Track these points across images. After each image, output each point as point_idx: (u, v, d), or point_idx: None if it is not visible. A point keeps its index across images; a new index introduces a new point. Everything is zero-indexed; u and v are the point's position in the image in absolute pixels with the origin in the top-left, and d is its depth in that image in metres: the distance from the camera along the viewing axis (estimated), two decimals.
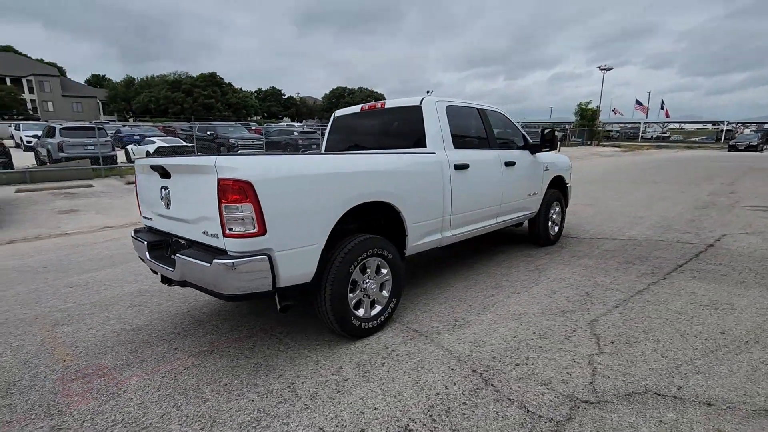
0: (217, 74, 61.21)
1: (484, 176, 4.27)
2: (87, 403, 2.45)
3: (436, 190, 3.65)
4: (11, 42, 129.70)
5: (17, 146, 25.61)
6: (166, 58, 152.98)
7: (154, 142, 17.33)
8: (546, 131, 5.00)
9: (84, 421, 2.28)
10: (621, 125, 65.41)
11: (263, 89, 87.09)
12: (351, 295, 3.02)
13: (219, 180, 2.36)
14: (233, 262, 2.37)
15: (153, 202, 3.15)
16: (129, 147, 18.43)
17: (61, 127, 14.23)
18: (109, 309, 3.91)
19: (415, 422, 2.19)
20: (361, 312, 3.11)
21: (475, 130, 4.45)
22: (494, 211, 4.52)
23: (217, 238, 2.48)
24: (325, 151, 4.84)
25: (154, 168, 2.93)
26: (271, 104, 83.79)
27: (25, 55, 74.66)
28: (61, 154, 13.46)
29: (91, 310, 3.90)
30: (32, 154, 16.78)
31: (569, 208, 8.32)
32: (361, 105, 4.54)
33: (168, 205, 2.92)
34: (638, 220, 7.17)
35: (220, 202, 2.37)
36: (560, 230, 5.89)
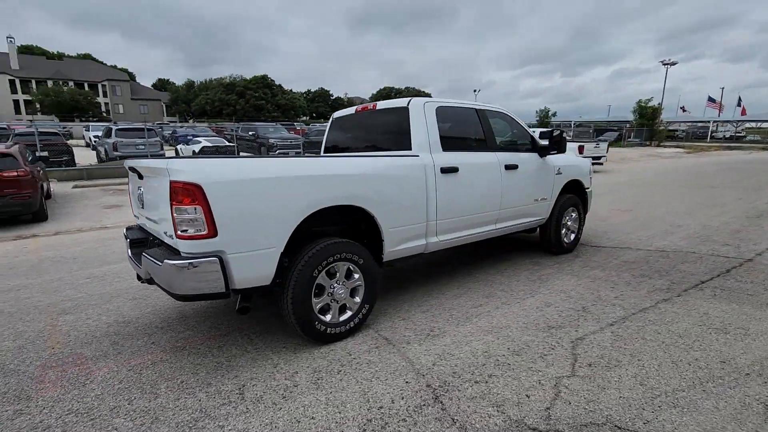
0: (269, 77, 63.68)
1: (478, 180, 4.08)
2: (54, 391, 2.60)
3: (418, 195, 3.53)
4: (90, 50, 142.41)
5: (87, 145, 28.10)
6: (227, 62, 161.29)
7: (200, 142, 18.33)
8: (554, 132, 4.69)
9: (44, 408, 2.42)
10: (689, 124, 60.45)
11: (312, 90, 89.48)
12: (316, 299, 2.99)
13: (171, 182, 2.42)
14: (181, 263, 2.42)
15: (135, 202, 3.30)
16: (178, 146, 19.61)
17: (116, 128, 15.42)
18: (112, 301, 4.15)
19: None
20: (327, 317, 3.07)
21: (471, 132, 4.26)
22: (492, 217, 4.31)
23: (172, 238, 2.55)
24: (324, 152, 4.85)
25: (131, 169, 3.06)
26: (319, 105, 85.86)
27: (102, 62, 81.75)
28: (115, 153, 14.60)
29: (96, 301, 4.15)
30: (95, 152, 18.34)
31: (600, 214, 7.80)
32: (356, 106, 4.50)
33: (143, 205, 3.04)
34: (675, 229, 6.57)
35: (171, 204, 2.43)
36: (577, 238, 5.51)
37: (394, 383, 2.58)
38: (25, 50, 75.31)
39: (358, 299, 3.24)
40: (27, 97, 61.69)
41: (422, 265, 5.05)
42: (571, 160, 5.36)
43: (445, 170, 3.74)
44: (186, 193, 2.39)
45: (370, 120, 4.31)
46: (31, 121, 47.40)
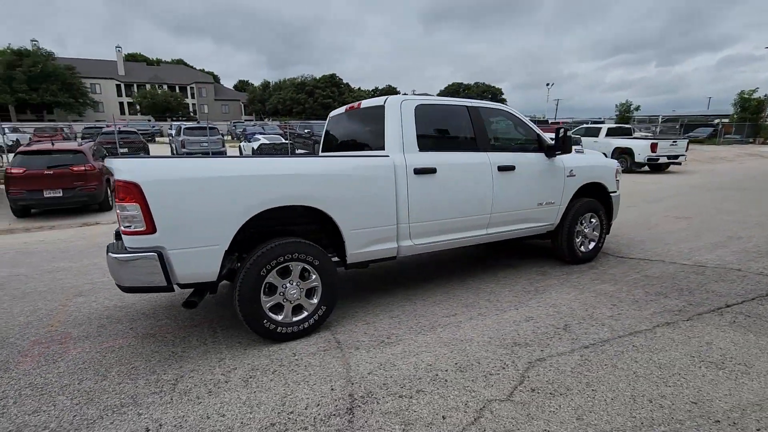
0: (337, 75, 65.59)
1: (462, 182, 3.85)
2: (29, 365, 2.91)
3: (384, 196, 3.42)
4: (184, 56, 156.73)
5: (170, 142, 31.11)
6: (304, 63, 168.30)
7: (258, 140, 19.42)
8: (559, 131, 4.28)
9: (12, 379, 2.73)
10: None
11: (380, 88, 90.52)
12: (267, 298, 3.03)
13: (114, 181, 2.58)
14: (122, 257, 2.58)
15: None
16: (241, 144, 20.92)
17: (184, 127, 16.86)
18: None
19: None
20: (279, 316, 3.10)
21: (459, 131, 4.03)
22: (481, 221, 4.05)
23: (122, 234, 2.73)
24: (321, 150, 4.88)
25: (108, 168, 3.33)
26: None
27: (192, 67, 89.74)
28: (183, 150, 15.98)
29: (110, 286, 4.57)
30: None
31: (650, 220, 7.01)
32: (348, 105, 4.47)
33: None
34: (731, 242, 5.69)
35: (115, 201, 2.60)
36: (597, 247, 4.99)
37: (319, 389, 2.54)
38: (130, 58, 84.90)
39: (315, 300, 3.23)
40: (129, 99, 69.60)
41: (414, 267, 4.90)
42: (588, 161, 4.86)
43: (420, 171, 3.58)
44: (126, 191, 2.54)
45: (356, 119, 4.26)
46: (124, 121, 53.57)
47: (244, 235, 3.05)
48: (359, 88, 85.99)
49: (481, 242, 4.22)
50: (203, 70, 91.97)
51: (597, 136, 17.98)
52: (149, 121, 57.75)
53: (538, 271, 4.66)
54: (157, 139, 36.50)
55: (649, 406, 2.26)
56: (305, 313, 3.20)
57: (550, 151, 4.37)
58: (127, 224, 2.59)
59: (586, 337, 3.10)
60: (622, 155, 15.79)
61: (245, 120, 60.65)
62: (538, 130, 4.49)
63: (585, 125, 20.70)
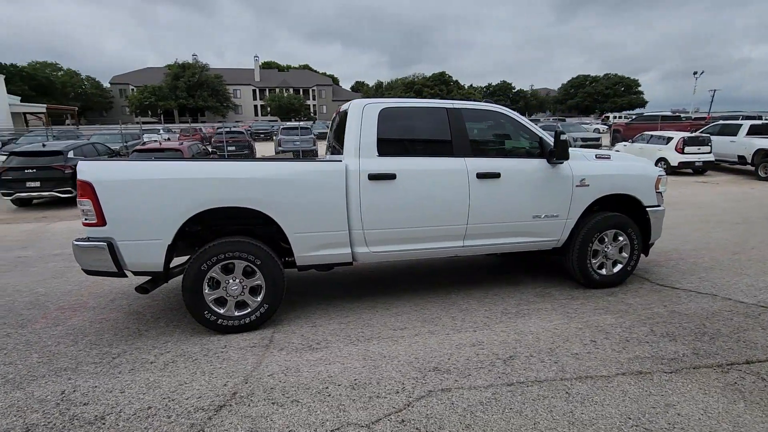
0: (446, 73, 65.07)
1: (428, 188, 3.61)
2: (39, 325, 3.61)
3: (333, 201, 3.40)
4: (312, 61, 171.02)
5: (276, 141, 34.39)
6: (425, 61, 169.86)
7: None
8: (556, 135, 3.70)
9: (19, 335, 3.42)
10: None
11: (493, 84, 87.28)
12: (209, 291, 3.27)
13: (77, 179, 3.06)
14: (79, 244, 3.05)
15: None
16: None
17: (282, 127, 18.54)
18: None
19: (104, 418, 2.38)
20: (222, 309, 3.32)
21: (431, 134, 3.77)
22: (456, 232, 3.75)
23: None
24: (326, 150, 5.00)
25: None
26: (499, 98, 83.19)
27: (315, 71, 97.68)
28: (279, 148, 17.63)
29: None
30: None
31: (743, 242, 5.67)
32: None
33: None
34: None
35: (77, 197, 3.08)
36: (626, 270, 4.21)
37: (216, 382, 2.68)
38: (266, 65, 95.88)
39: (258, 298, 3.38)
40: (262, 102, 78.73)
41: (407, 273, 4.71)
42: (610, 169, 4.11)
43: (376, 176, 3.46)
44: (82, 188, 2.99)
45: (340, 122, 4.27)
46: (256, 120, 60.57)
47: (206, 231, 3.34)
48: (470, 85, 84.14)
49: (460, 254, 3.91)
50: (324, 73, 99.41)
51: (735, 135, 14.83)
52: (276, 121, 64.58)
53: (538, 292, 4.13)
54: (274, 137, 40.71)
55: None
56: (248, 309, 3.37)
57: (552, 157, 3.82)
58: (84, 217, 3.05)
59: (522, 373, 2.69)
60: (766, 159, 12.79)
61: None
62: (541, 134, 3.96)
63: (721, 122, 17.21)
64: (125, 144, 15.89)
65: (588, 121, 46.41)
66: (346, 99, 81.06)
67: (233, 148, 17.48)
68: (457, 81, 66.06)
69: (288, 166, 3.37)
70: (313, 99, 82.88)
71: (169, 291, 4.33)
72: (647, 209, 4.22)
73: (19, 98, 40.63)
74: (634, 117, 31.67)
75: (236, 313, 3.35)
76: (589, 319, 3.51)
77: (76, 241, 3.11)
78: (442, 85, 63.02)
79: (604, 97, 79.67)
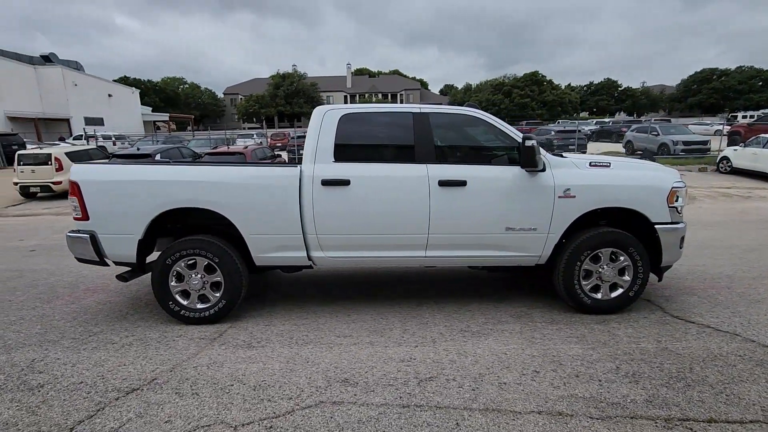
0: (539, 73, 61.40)
1: (384, 195, 3.51)
2: (62, 302, 4.27)
3: (286, 206, 3.49)
4: (407, 66, 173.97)
5: None
6: (526, 60, 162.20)
7: None
8: (523, 139, 3.33)
9: (41, 309, 4.08)
10: None
11: (595, 82, 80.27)
12: (175, 284, 3.59)
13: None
14: (69, 235, 3.56)
15: None
16: None
17: None
18: None
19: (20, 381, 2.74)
20: (186, 301, 3.61)
21: (394, 140, 3.66)
22: (417, 241, 3.60)
23: None
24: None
25: None
26: (601, 98, 76.24)
27: (405, 75, 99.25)
28: None
29: None
30: None
31: None
32: None
33: None
34: None
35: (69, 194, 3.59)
36: (627, 296, 3.64)
37: (147, 367, 2.94)
38: (357, 72, 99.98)
39: (218, 294, 3.62)
40: None
41: (394, 279, 4.60)
42: (605, 178, 3.58)
43: (329, 182, 3.48)
44: (71, 187, 3.49)
45: None
46: None
47: (184, 229, 3.69)
48: (568, 85, 78.36)
49: (425, 264, 3.75)
50: (414, 77, 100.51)
51: None
52: None
53: (518, 313, 3.77)
54: None
55: None
56: (209, 304, 3.62)
57: (527, 165, 3.47)
58: (74, 212, 3.55)
59: (427, 396, 2.51)
60: None
61: None
62: (517, 138, 3.61)
63: None
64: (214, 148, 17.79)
65: (708, 121, 40.24)
66: (433, 102, 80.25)
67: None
68: (551, 81, 61.91)
69: (244, 171, 3.55)
70: (401, 103, 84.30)
71: None
72: (656, 226, 3.60)
73: (151, 108, 47.81)
74: (758, 117, 26.71)
75: (198, 306, 3.62)
76: (551, 347, 3.12)
77: (68, 232, 3.63)
78: (533, 85, 59.55)
79: (737, 94, 68.37)
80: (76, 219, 3.56)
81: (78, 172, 3.50)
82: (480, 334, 3.37)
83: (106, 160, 13.32)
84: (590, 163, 3.71)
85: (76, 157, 13.00)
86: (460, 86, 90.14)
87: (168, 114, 43.92)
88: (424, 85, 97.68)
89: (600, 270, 3.64)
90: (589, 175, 3.59)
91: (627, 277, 3.65)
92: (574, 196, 3.54)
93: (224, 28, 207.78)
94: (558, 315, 3.70)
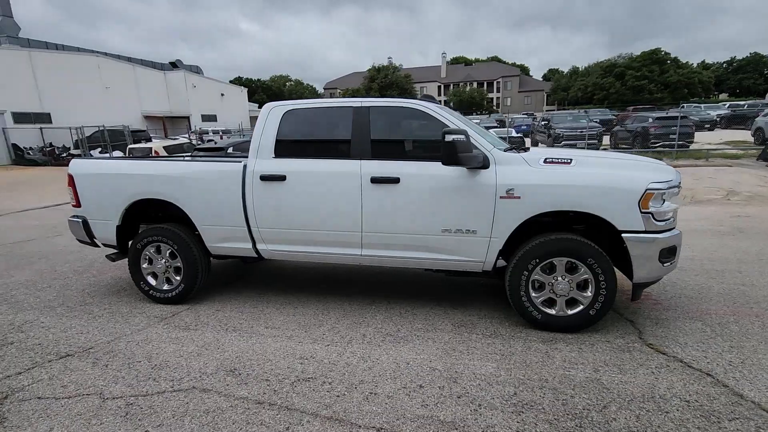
0: (662, 50, 53.45)
1: (317, 191, 3.49)
2: (89, 274, 5.07)
3: (231, 199, 3.67)
4: (501, 51, 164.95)
5: None
6: (655, 36, 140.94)
7: (511, 132, 19.20)
8: (443, 134, 3.00)
9: (71, 280, 4.89)
10: None
11: (738, 58, 67.54)
12: (146, 266, 4.03)
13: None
14: (69, 219, 4.20)
15: None
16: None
17: None
18: None
19: None
20: (154, 282, 4.04)
21: (333, 135, 3.59)
22: (351, 239, 3.52)
23: None
24: None
25: None
26: (745, 76, 63.92)
27: (503, 62, 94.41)
28: None
29: None
30: None
31: None
32: None
33: None
34: None
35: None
36: (588, 314, 3.14)
37: (96, 338, 3.37)
38: (454, 61, 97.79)
39: (179, 278, 3.98)
40: (445, 98, 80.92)
41: (375, 278, 4.54)
42: (557, 177, 3.08)
43: (266, 178, 3.58)
44: (68, 179, 4.10)
45: None
46: None
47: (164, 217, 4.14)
48: (702, 62, 67.21)
49: (363, 263, 3.65)
50: (514, 63, 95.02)
51: None
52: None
53: (463, 321, 3.48)
54: None
55: None
56: (173, 286, 4.00)
57: (449, 160, 3.12)
58: (72, 201, 4.17)
59: (280, 396, 2.49)
60: None
61: (547, 111, 59.10)
62: (470, 133, 3.29)
63: None
64: None
65: None
66: (533, 90, 75.62)
67: None
68: (675, 59, 53.45)
69: (195, 165, 3.82)
70: (497, 91, 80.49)
71: None
72: (623, 235, 3.02)
73: (257, 105, 52.71)
74: None
75: (164, 287, 4.02)
76: (463, 362, 2.84)
77: (69, 217, 4.28)
78: (653, 65, 52.05)
79: None
80: (72, 206, 4.18)
81: (73, 165, 4.11)
82: (403, 339, 3.20)
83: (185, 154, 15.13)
84: (545, 159, 3.24)
85: (171, 150, 15.04)
86: (582, 66, 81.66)
87: None
88: (525, 70, 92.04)
89: (553, 282, 3.18)
90: (538, 174, 3.14)
91: (588, 293, 3.14)
92: (519, 197, 3.13)
93: (331, 25, 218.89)
94: (505, 329, 3.33)
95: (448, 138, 2.99)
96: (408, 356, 2.94)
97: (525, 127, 25.17)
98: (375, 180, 3.38)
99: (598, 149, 16.55)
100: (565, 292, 3.17)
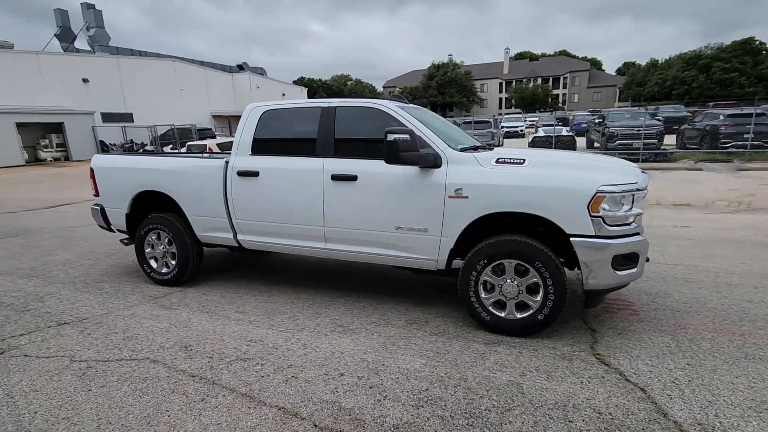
0: (755, 39, 47.54)
1: (285, 187, 3.71)
2: (116, 257, 5.74)
3: (212, 193, 4.01)
4: (572, 45, 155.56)
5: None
6: (759, 24, 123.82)
7: (561, 131, 18.32)
8: (385, 133, 3.04)
9: (103, 261, 5.58)
10: None
11: None
12: (149, 251, 4.52)
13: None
14: (91, 207, 4.81)
15: None
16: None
17: (464, 121, 18.62)
18: None
19: None
20: (155, 265, 4.52)
21: (302, 134, 3.77)
22: (316, 233, 3.70)
23: None
24: None
25: None
26: None
27: (573, 56, 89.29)
28: None
29: None
30: None
31: None
32: None
33: None
34: None
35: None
36: (536, 318, 3.06)
37: (93, 310, 3.86)
38: (518, 56, 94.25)
39: (174, 262, 4.41)
40: (506, 95, 78.31)
41: (365, 272, 4.70)
42: (505, 177, 3.01)
43: (243, 173, 3.87)
44: (90, 171, 4.70)
45: None
46: (500, 114, 60.86)
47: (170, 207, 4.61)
48: None
49: (330, 257, 3.81)
50: (585, 57, 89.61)
51: None
52: (519, 113, 63.25)
53: (418, 318, 3.53)
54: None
55: None
56: (169, 269, 4.45)
57: (390, 161, 3.18)
58: (93, 191, 4.77)
59: (215, 371, 2.74)
60: None
61: (617, 107, 55.11)
62: (420, 133, 3.33)
63: None
64: None
65: None
66: (603, 85, 70.73)
67: None
68: None
69: (184, 161, 4.22)
70: (564, 87, 76.35)
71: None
72: (572, 239, 2.90)
73: None
74: None
75: (163, 270, 4.48)
76: (394, 356, 2.91)
77: (92, 206, 4.89)
78: (745, 56, 46.47)
79: None
80: (93, 195, 4.78)
81: (94, 160, 4.70)
82: (351, 331, 3.33)
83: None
84: (497, 159, 3.18)
85: (222, 147, 16.21)
86: (666, 57, 74.78)
87: None
88: (597, 65, 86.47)
89: (501, 284, 3.14)
90: (486, 174, 3.10)
91: (538, 297, 3.06)
92: (467, 197, 3.12)
93: (397, 23, 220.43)
94: (456, 328, 3.34)
95: (390, 137, 3.06)
96: (347, 347, 3.07)
97: (585, 125, 23.78)
98: (335, 177, 3.53)
99: (657, 150, 15.28)
100: (514, 295, 3.11)
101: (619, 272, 2.92)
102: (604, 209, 2.84)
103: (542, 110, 64.40)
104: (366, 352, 2.99)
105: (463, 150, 3.37)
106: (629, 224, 2.94)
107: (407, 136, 3.06)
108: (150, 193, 4.41)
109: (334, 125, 3.65)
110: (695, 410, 2.27)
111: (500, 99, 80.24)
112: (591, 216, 2.84)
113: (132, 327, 3.48)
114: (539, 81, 75.67)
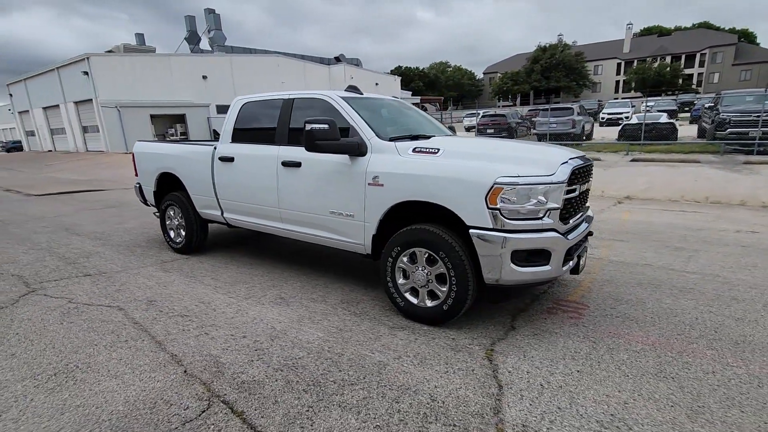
0: None
1: (249, 172, 4.16)
2: (157, 229, 6.85)
3: (205, 175, 4.63)
4: (709, 16, 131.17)
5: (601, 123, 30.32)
6: None
7: (660, 117, 16.08)
8: (304, 123, 3.21)
9: (149, 231, 6.72)
10: None
11: None
12: (168, 222, 5.39)
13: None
14: (134, 186, 5.84)
15: None
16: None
17: (541, 110, 17.27)
18: None
19: None
20: (172, 235, 5.37)
21: (266, 124, 4.13)
22: (274, 214, 4.09)
23: None
24: None
25: None
26: None
27: (716, 27, 75.67)
28: (533, 130, 16.77)
29: None
30: None
31: None
32: None
33: None
34: None
35: None
36: (441, 309, 3.06)
37: (108, 265, 4.79)
38: (645, 32, 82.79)
39: (183, 233, 5.20)
40: (625, 77, 69.69)
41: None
42: (414, 166, 3.02)
43: (223, 159, 4.41)
44: (132, 155, 5.70)
45: None
46: (615, 99, 54.59)
47: None
48: None
49: (289, 236, 4.15)
50: (733, 29, 75.30)
51: None
52: (639, 97, 56.18)
53: (355, 299, 3.73)
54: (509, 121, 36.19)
55: None
56: (180, 239, 5.26)
57: (309, 149, 3.38)
58: (135, 172, 5.78)
59: (155, 322, 3.29)
60: None
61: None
62: (352, 124, 3.48)
63: None
64: None
65: None
66: (755, 61, 59.38)
67: (492, 130, 18.25)
68: None
69: (186, 148, 4.91)
70: (701, 66, 65.38)
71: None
72: (470, 231, 2.84)
73: (410, 93, 55.05)
74: None
75: (177, 240, 5.31)
76: (302, 328, 3.18)
77: (135, 184, 5.92)
78: None
79: None
80: (135, 176, 5.80)
81: (134, 147, 5.69)
82: (285, 303, 3.65)
83: None
84: (414, 148, 3.19)
85: None
86: None
87: (419, 97, 49.80)
88: (749, 36, 72.25)
89: (414, 271, 3.19)
90: (399, 163, 3.15)
91: (445, 287, 3.06)
92: (383, 185, 3.22)
93: (507, 3, 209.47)
94: (378, 311, 3.47)
95: (307, 126, 3.27)
96: (269, 316, 3.42)
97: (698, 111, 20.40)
98: (285, 164, 3.86)
99: None
100: (423, 283, 3.14)
101: (521, 269, 2.78)
102: (502, 201, 2.72)
103: (669, 93, 56.20)
104: (281, 322, 3.31)
105: (392, 139, 3.43)
106: (538, 219, 2.77)
107: (326, 126, 3.24)
108: (168, 175, 5.23)
109: (290, 116, 3.97)
110: (533, 414, 2.16)
111: (617, 82, 71.86)
112: (489, 208, 2.75)
113: (129, 282, 4.27)
114: (666, 59, 65.86)
